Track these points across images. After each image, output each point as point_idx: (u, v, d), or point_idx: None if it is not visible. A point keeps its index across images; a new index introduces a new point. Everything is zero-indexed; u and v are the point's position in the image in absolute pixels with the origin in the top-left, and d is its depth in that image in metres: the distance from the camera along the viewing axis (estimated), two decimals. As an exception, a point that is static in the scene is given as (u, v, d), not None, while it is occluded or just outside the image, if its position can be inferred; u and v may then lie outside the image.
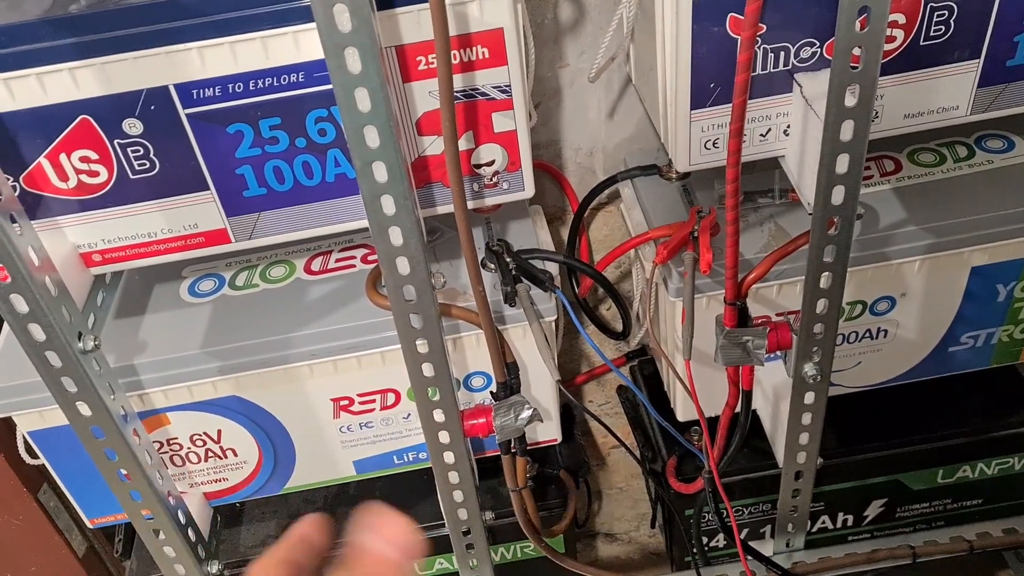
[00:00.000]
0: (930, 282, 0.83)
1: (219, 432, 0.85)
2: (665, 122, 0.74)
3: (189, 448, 0.86)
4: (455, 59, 0.65)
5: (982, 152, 0.87)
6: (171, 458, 0.86)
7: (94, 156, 0.65)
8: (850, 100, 0.61)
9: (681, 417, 0.95)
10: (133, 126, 0.64)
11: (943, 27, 0.67)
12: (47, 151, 0.64)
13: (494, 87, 0.67)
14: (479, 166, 0.72)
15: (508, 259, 0.81)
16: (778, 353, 0.81)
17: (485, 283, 0.80)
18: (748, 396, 0.83)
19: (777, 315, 0.85)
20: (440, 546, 0.97)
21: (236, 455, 0.87)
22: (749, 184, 0.87)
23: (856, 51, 0.60)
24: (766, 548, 1.01)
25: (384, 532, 0.36)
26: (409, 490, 1.01)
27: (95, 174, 0.66)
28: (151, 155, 0.66)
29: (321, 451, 0.89)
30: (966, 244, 0.81)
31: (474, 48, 0.65)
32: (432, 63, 0.64)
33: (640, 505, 1.41)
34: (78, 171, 0.66)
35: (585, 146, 1.00)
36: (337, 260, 0.87)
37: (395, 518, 0.36)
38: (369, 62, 0.56)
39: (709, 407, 0.90)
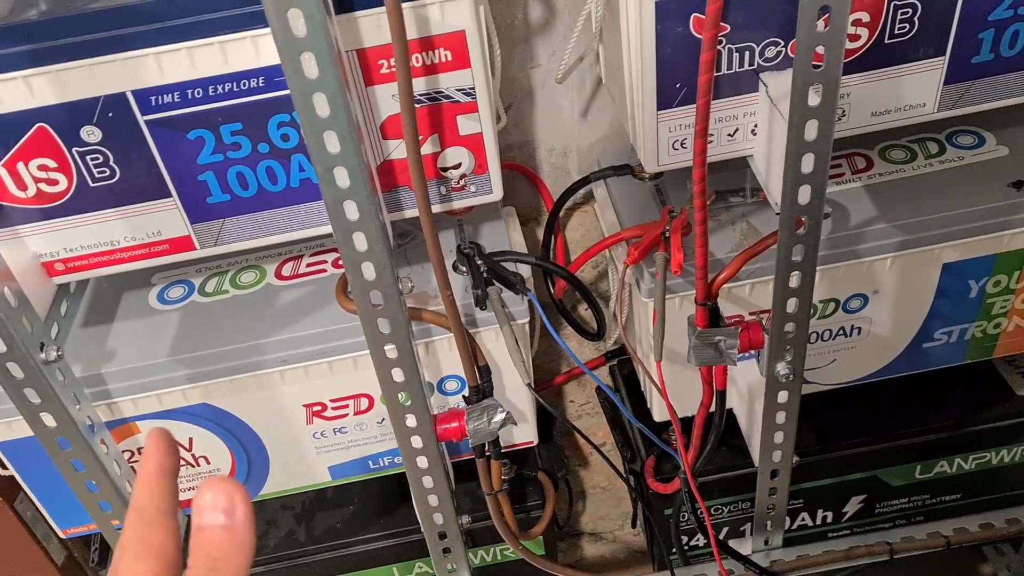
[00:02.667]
0: (902, 279, 0.83)
1: (191, 440, 0.84)
2: (633, 123, 0.74)
3: (161, 456, 0.85)
4: (417, 62, 0.64)
5: (953, 148, 0.87)
6: (143, 467, 0.86)
7: (52, 164, 0.64)
8: (814, 99, 0.61)
9: (658, 417, 0.95)
10: (91, 133, 0.63)
11: (907, 25, 0.67)
12: (4, 160, 0.64)
13: (458, 90, 0.67)
14: (446, 169, 0.71)
15: (479, 262, 0.80)
16: (751, 352, 0.81)
17: (457, 286, 0.79)
18: (722, 396, 0.82)
19: (751, 314, 0.84)
20: (418, 550, 0.97)
21: (209, 463, 0.87)
22: (721, 183, 0.87)
23: (819, 50, 0.59)
24: (746, 546, 1.00)
25: (202, 501, 0.34)
26: (387, 495, 1.00)
27: (54, 182, 0.65)
28: (111, 162, 0.65)
29: (295, 457, 0.88)
30: (937, 241, 0.81)
31: (436, 51, 0.64)
32: (394, 66, 0.63)
33: (624, 504, 1.41)
34: (37, 180, 0.65)
35: (559, 146, 0.99)
36: (308, 265, 0.87)
37: (214, 484, 0.34)
38: (326, 67, 0.56)
39: (686, 407, 0.90)
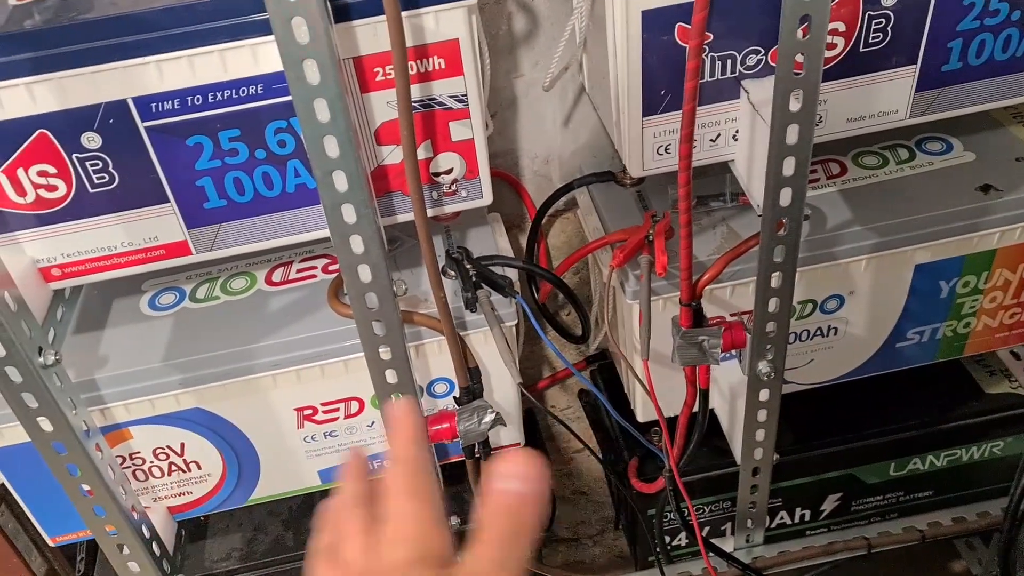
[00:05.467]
0: (876, 280, 0.86)
1: (182, 445, 0.85)
2: (618, 129, 0.76)
3: (152, 462, 0.86)
4: (412, 69, 0.66)
5: (922, 154, 0.91)
6: (134, 473, 0.86)
7: (52, 170, 0.65)
8: (794, 105, 0.64)
9: (641, 418, 0.97)
10: (92, 140, 0.64)
11: (881, 35, 0.70)
12: (4, 166, 0.64)
13: (451, 97, 0.69)
14: (438, 174, 0.73)
15: (468, 266, 0.82)
16: (733, 352, 0.84)
17: (446, 290, 0.81)
18: (705, 395, 0.85)
19: (731, 315, 0.87)
20: (407, 553, 0.98)
21: (200, 468, 0.87)
22: (701, 188, 0.89)
23: (799, 58, 0.62)
24: (727, 544, 1.03)
25: (500, 468, 0.38)
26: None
27: (54, 188, 0.66)
28: (110, 168, 0.66)
29: (285, 461, 0.89)
30: (909, 243, 0.84)
31: (430, 59, 0.66)
32: (389, 74, 0.65)
33: (604, 509, 1.42)
34: (36, 186, 0.66)
35: (541, 154, 1.02)
36: (298, 271, 0.88)
37: (513, 454, 0.39)
38: (328, 73, 0.57)
39: (668, 407, 0.92)
